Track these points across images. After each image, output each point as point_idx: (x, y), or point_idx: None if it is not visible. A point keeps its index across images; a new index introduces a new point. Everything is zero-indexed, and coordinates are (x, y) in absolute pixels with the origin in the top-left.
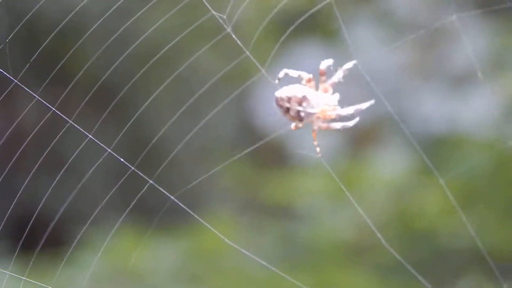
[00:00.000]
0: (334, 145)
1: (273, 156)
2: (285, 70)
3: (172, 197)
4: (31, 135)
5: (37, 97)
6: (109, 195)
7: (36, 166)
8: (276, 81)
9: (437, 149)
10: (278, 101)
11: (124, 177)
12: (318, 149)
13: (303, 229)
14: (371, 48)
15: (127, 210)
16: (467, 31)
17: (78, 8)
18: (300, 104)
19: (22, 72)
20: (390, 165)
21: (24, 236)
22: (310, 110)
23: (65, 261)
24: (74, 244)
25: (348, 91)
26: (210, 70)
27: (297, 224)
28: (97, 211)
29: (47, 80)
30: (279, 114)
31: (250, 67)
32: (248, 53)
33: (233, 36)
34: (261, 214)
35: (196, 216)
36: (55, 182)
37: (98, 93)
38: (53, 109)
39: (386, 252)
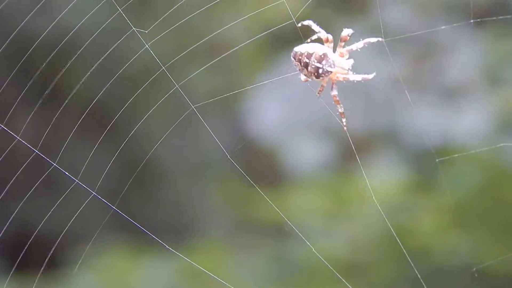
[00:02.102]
0: (326, 159)
1: (265, 174)
2: (309, 22)
3: (143, 229)
4: None
5: (18, 138)
6: (72, 219)
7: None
8: (299, 25)
9: (430, 164)
10: (297, 55)
11: (85, 204)
12: (344, 121)
13: (296, 248)
14: (365, 59)
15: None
16: (461, 44)
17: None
18: (320, 61)
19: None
20: (383, 181)
21: (19, 257)
22: (328, 68)
23: (59, 281)
24: (69, 263)
25: (342, 103)
26: (202, 90)
27: (290, 243)
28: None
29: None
30: (295, 69)
31: (240, 87)
32: (163, 68)
33: (152, 53)
34: (254, 233)
35: (177, 253)
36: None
37: (90, 114)
38: (31, 149)
39: (381, 271)
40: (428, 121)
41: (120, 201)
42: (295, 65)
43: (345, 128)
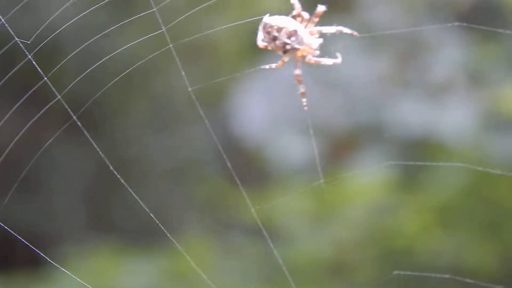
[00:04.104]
0: (310, 159)
1: (250, 174)
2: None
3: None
4: None
5: None
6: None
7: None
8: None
9: (415, 163)
10: (267, 27)
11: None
12: (304, 100)
13: (281, 248)
14: (350, 56)
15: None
16: (446, 42)
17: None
18: (289, 37)
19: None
20: (368, 180)
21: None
22: (296, 46)
23: (41, 281)
24: (51, 264)
25: (326, 99)
26: (184, 89)
27: (275, 243)
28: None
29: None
30: (261, 41)
31: (224, 87)
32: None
33: (33, 61)
34: (238, 234)
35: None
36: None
37: (73, 112)
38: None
39: (365, 271)
40: (412, 118)
41: (102, 201)
42: (263, 36)
43: (305, 108)
